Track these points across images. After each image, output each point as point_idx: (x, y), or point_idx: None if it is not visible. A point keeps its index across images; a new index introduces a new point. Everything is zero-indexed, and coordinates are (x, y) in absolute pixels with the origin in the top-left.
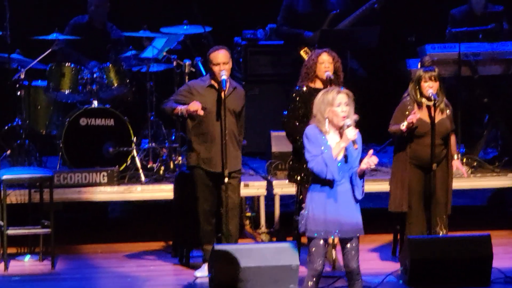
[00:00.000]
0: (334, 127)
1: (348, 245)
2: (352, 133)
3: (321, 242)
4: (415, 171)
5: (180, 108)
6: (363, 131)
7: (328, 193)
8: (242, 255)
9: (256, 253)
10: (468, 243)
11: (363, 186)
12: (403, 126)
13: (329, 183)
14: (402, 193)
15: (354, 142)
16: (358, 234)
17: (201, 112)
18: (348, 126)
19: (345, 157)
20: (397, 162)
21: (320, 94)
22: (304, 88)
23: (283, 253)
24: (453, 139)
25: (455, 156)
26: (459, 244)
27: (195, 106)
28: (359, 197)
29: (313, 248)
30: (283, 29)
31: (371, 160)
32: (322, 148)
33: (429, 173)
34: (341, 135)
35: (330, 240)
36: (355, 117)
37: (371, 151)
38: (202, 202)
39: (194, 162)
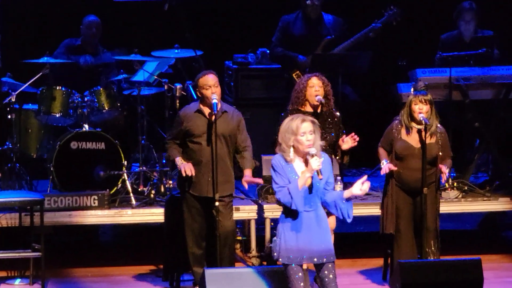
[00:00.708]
0: (299, 155)
1: (325, 272)
2: (316, 163)
3: (297, 267)
4: (402, 194)
5: (179, 166)
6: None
7: (299, 221)
8: (232, 279)
9: (246, 277)
10: (459, 267)
11: (351, 208)
12: (383, 165)
13: (299, 212)
14: (388, 215)
15: (319, 172)
16: (332, 259)
17: (189, 173)
18: (312, 156)
19: (310, 188)
20: (386, 185)
21: (284, 122)
22: (294, 112)
23: (273, 277)
24: (448, 162)
25: (446, 166)
26: (450, 268)
27: (188, 171)
28: (348, 220)
29: (291, 275)
30: (277, 51)
31: (363, 188)
32: (290, 178)
33: (416, 197)
34: (306, 163)
35: (304, 266)
36: (321, 143)
37: (364, 177)
38: (190, 225)
39: (183, 187)
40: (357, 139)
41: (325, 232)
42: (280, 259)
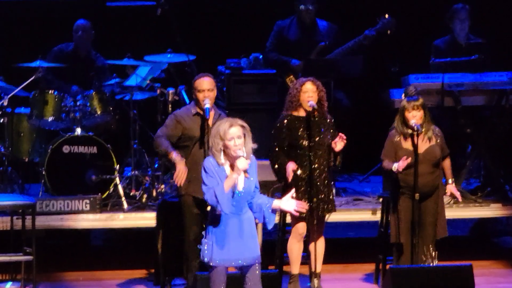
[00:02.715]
0: (229, 159)
1: (249, 273)
2: (243, 163)
3: (222, 270)
4: (405, 200)
5: (174, 158)
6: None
7: (228, 223)
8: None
9: (238, 281)
10: (450, 273)
11: (273, 219)
12: (395, 168)
13: (226, 214)
14: (398, 224)
15: (245, 172)
16: (257, 262)
17: (180, 182)
18: (239, 157)
19: (233, 192)
20: (392, 193)
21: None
22: (288, 117)
23: (265, 281)
24: (447, 163)
25: (450, 181)
26: (441, 274)
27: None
28: (268, 227)
29: (215, 276)
30: (271, 55)
31: (296, 208)
32: (222, 180)
33: (421, 202)
34: (233, 167)
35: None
36: (253, 146)
37: (292, 191)
38: (188, 231)
39: (183, 191)
40: (344, 137)
41: (253, 234)
42: (207, 261)
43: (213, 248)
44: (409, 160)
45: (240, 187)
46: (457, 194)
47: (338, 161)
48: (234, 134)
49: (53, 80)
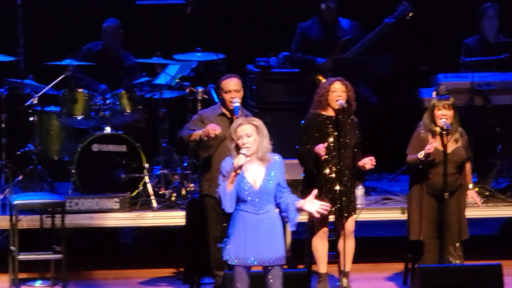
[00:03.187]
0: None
1: (271, 273)
2: (237, 160)
3: (242, 269)
4: (430, 200)
5: (197, 133)
6: (376, 160)
7: (248, 221)
8: (254, 281)
9: (261, 280)
10: (479, 273)
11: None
12: (421, 154)
13: (250, 211)
14: (419, 221)
15: (239, 168)
16: (280, 263)
17: (218, 131)
18: (242, 154)
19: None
20: (414, 191)
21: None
22: (316, 116)
23: (294, 281)
24: (468, 167)
25: (470, 186)
26: (470, 274)
27: (212, 128)
28: (291, 227)
29: (235, 275)
30: (296, 56)
31: (318, 209)
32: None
33: (443, 202)
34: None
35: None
36: (268, 145)
37: (315, 191)
38: (213, 229)
39: (206, 191)
40: (374, 162)
41: (277, 234)
42: (227, 260)
43: (232, 247)
44: (435, 144)
45: (257, 184)
46: (477, 199)
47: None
48: (243, 133)
49: (82, 78)
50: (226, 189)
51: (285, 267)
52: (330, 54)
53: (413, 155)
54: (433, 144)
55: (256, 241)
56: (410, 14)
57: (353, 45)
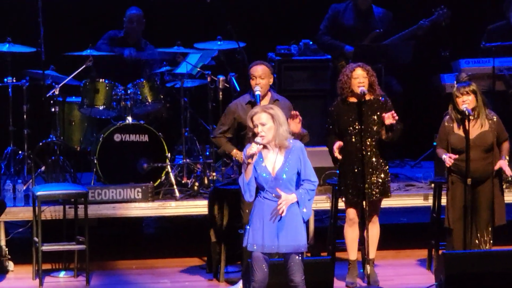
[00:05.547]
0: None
1: (290, 261)
2: (252, 149)
3: (260, 255)
4: (457, 185)
5: (237, 153)
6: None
7: (267, 208)
8: (274, 270)
9: (281, 268)
10: (504, 258)
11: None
12: (444, 160)
13: (269, 198)
14: (451, 209)
15: (251, 157)
16: (298, 251)
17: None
18: (254, 143)
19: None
20: (448, 178)
21: None
22: (339, 103)
23: (318, 268)
24: (506, 145)
25: (503, 157)
26: (494, 259)
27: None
28: (304, 218)
29: (253, 262)
30: (324, 39)
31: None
32: (257, 165)
33: (476, 188)
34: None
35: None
36: (285, 133)
37: None
38: (243, 217)
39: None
40: (396, 116)
41: (296, 222)
42: (245, 246)
43: (250, 233)
44: (456, 156)
45: (274, 171)
46: (507, 169)
47: (386, 136)
48: (258, 121)
49: (107, 50)
50: (245, 179)
51: (308, 254)
52: (357, 43)
53: (440, 151)
54: (449, 157)
55: (274, 228)
56: (447, 21)
57: (384, 38)
